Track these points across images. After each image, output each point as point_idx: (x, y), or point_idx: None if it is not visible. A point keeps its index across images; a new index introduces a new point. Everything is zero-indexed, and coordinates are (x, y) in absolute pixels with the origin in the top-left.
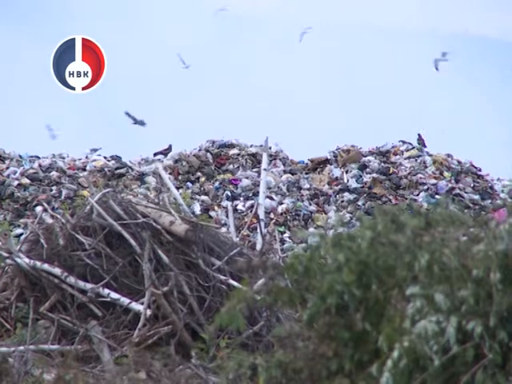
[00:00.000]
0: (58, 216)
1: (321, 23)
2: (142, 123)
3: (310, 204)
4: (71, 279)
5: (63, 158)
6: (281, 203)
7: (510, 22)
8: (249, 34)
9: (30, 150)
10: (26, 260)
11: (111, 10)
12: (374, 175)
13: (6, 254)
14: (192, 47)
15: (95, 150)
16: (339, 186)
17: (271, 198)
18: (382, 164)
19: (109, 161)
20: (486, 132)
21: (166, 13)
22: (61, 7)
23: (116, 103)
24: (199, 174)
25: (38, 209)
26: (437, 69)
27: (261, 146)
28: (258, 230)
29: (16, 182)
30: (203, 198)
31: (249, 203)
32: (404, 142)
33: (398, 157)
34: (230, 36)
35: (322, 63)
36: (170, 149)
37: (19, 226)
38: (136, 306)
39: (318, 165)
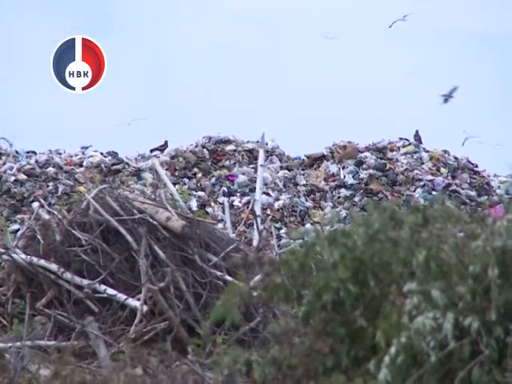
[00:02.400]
0: (55, 212)
1: (314, 18)
2: None
3: (307, 200)
4: (68, 275)
5: (60, 153)
6: (277, 199)
7: (509, 18)
8: (246, 29)
9: (27, 146)
10: (23, 256)
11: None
12: (371, 171)
13: (2, 250)
14: (189, 43)
15: (86, 148)
16: (336, 182)
17: (268, 194)
18: (379, 160)
19: (105, 157)
20: (483, 128)
21: (165, 12)
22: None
23: (116, 103)
24: (196, 169)
25: (35, 205)
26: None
27: (257, 142)
28: (255, 226)
29: (12, 178)
30: (200, 193)
31: (245, 199)
32: (401, 138)
33: (394, 153)
34: (228, 31)
35: (319, 59)
36: (166, 145)
37: (16, 221)
38: (132, 302)
39: (315, 161)
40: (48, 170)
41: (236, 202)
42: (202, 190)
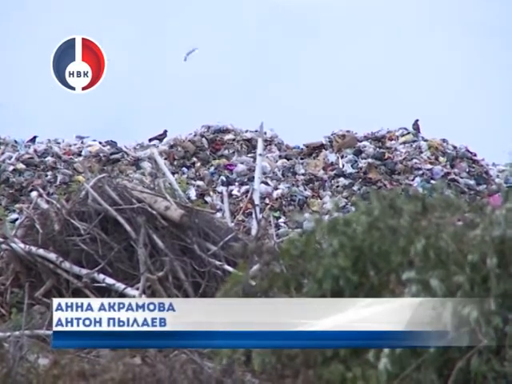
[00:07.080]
0: (54, 201)
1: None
2: None
3: (305, 189)
4: (66, 264)
5: (58, 143)
6: (276, 188)
7: (504, 6)
8: (250, 18)
9: (25, 136)
10: (21, 245)
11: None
12: (370, 160)
13: (1, 239)
14: (186, 37)
15: (82, 138)
16: (334, 171)
17: (266, 184)
18: (378, 149)
19: (104, 146)
20: (482, 117)
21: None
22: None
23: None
24: (194, 159)
25: (34, 194)
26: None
27: (256, 131)
28: (253, 216)
29: (11, 167)
30: (198, 183)
31: (244, 188)
32: (399, 128)
33: (393, 142)
34: (229, 20)
35: (315, 49)
36: (165, 134)
37: (14, 211)
38: (131, 292)
39: (314, 150)
40: (47, 159)
41: (235, 192)
42: (201, 179)
